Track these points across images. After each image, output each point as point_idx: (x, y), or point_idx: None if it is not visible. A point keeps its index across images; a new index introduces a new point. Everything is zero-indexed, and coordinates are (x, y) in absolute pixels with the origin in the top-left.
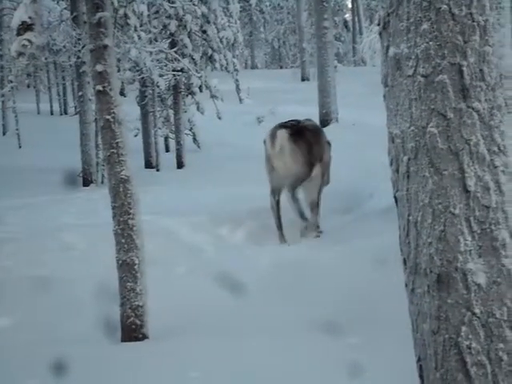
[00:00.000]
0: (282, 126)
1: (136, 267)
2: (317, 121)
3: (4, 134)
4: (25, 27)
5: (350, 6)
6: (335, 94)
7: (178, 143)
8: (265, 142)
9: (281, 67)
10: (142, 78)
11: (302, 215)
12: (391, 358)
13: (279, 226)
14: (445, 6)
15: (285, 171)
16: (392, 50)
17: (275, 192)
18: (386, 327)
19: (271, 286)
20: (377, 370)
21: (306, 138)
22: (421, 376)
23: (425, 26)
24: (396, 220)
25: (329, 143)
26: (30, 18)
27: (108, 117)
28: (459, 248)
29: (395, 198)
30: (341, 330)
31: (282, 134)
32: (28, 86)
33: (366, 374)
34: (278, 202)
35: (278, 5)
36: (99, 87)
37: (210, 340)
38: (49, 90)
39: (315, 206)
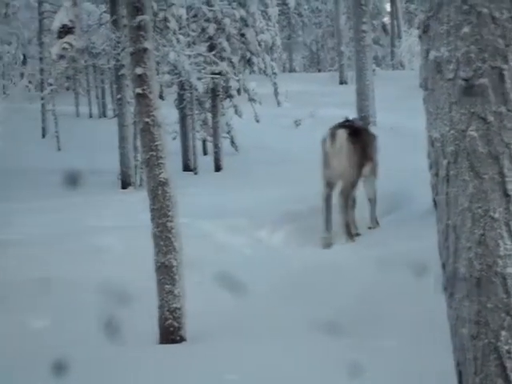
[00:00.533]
0: (341, 126)
1: (174, 269)
2: None
3: (43, 136)
4: (65, 30)
5: (388, 9)
6: (373, 97)
7: (216, 146)
8: (324, 140)
9: (319, 70)
10: (181, 81)
11: (344, 222)
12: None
13: (327, 219)
14: (485, 10)
15: (339, 169)
16: (432, 54)
17: (327, 186)
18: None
19: (305, 289)
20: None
21: (362, 138)
22: (460, 381)
23: (465, 29)
24: (434, 225)
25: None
26: (70, 21)
27: (147, 119)
28: (499, 252)
29: (434, 201)
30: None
31: (342, 134)
32: (67, 89)
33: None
34: (329, 197)
35: (317, 8)
36: (139, 90)
37: (248, 343)
38: (88, 93)
39: (374, 201)
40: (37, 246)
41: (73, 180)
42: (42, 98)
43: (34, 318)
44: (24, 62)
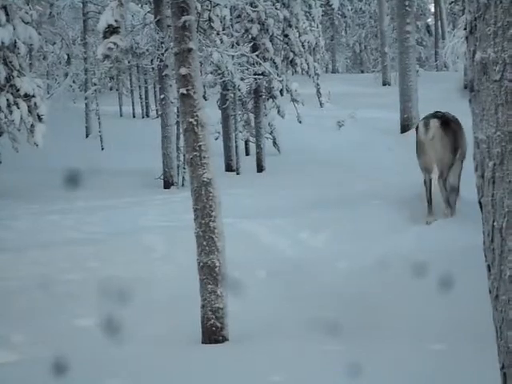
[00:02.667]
0: (434, 116)
1: (217, 270)
2: (397, 126)
3: (87, 136)
4: (111, 30)
5: (432, 10)
6: (417, 98)
7: (259, 147)
8: (417, 129)
9: (362, 71)
10: (224, 81)
11: (448, 202)
12: None
13: (429, 201)
14: None
15: (435, 156)
16: (479, 55)
17: (425, 171)
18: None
19: (347, 290)
20: None
21: (452, 127)
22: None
23: None
24: (471, 226)
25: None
26: (116, 21)
27: (191, 120)
28: None
29: (480, 203)
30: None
31: (435, 124)
32: (111, 89)
33: None
34: (428, 182)
35: (360, 9)
36: (183, 90)
37: (290, 343)
38: (131, 93)
39: (456, 189)
40: (90, 244)
41: (116, 180)
42: (86, 98)
43: (80, 317)
44: (68, 62)
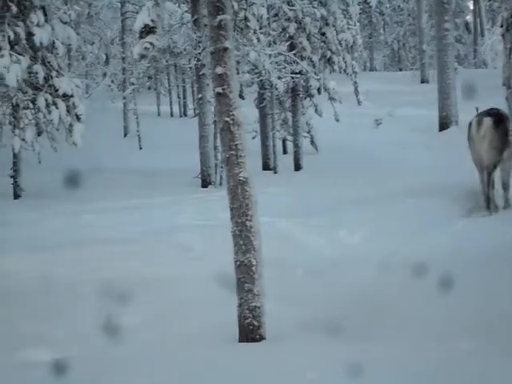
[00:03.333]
0: (488, 113)
1: (254, 268)
2: (436, 124)
3: (125, 135)
4: (147, 30)
5: (471, 7)
6: (455, 96)
7: (296, 145)
8: (470, 124)
9: (400, 69)
10: (261, 80)
11: (487, 200)
12: None
13: (486, 195)
14: None
15: (483, 153)
16: None
17: (478, 166)
18: None
19: (383, 290)
20: None
21: (505, 125)
22: None
23: None
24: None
25: None
26: (152, 21)
27: (227, 119)
28: None
29: None
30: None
31: (488, 122)
32: (149, 88)
33: None
34: (486, 174)
35: (399, 7)
36: (219, 89)
37: (327, 342)
38: (169, 93)
39: (508, 185)
40: (125, 243)
41: (154, 179)
42: (124, 98)
43: (114, 315)
44: (106, 62)
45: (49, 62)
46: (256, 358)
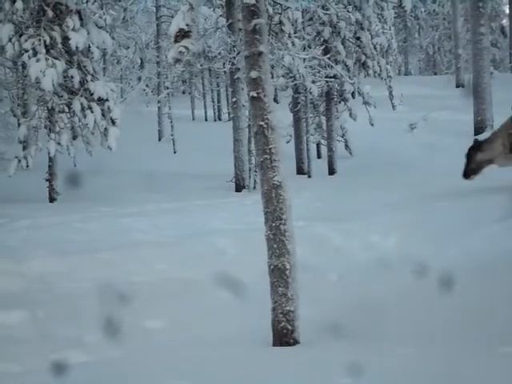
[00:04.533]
0: None
1: (287, 272)
2: (471, 128)
3: (159, 139)
4: (182, 34)
5: (507, 11)
6: (491, 100)
7: (330, 149)
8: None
9: (435, 73)
10: (295, 84)
11: None
12: None
13: None
14: None
15: None
16: None
17: None
18: None
19: (417, 294)
20: None
21: None
22: None
23: None
24: None
25: None
26: (187, 25)
27: (261, 123)
28: None
29: None
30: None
31: None
32: (183, 93)
33: None
34: None
35: (434, 11)
36: (253, 93)
37: (362, 346)
38: (203, 96)
39: None
40: (160, 247)
41: (188, 182)
42: (159, 102)
43: (148, 318)
44: (141, 66)
45: (84, 66)
46: (289, 362)
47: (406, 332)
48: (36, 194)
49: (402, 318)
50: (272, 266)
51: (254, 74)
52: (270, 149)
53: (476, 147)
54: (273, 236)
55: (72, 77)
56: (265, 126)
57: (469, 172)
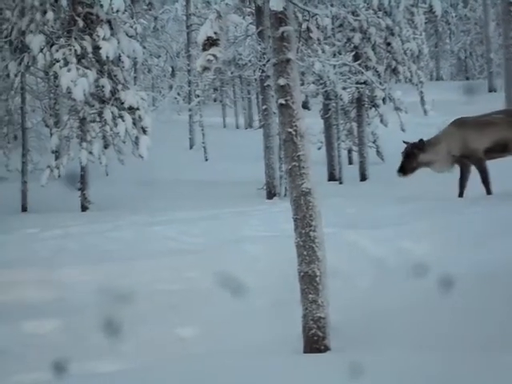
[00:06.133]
0: None
1: (317, 279)
2: None
3: (191, 147)
4: (210, 42)
5: None
6: None
7: (362, 156)
8: None
9: (467, 78)
10: (326, 91)
11: None
12: None
13: None
14: None
15: None
16: None
17: None
18: None
19: (455, 300)
20: None
21: None
22: None
23: None
24: None
25: None
26: (215, 33)
27: (290, 130)
28: None
29: None
30: None
31: None
32: (215, 100)
33: None
34: None
35: (465, 15)
36: (282, 101)
37: (394, 353)
38: (234, 104)
39: None
40: (192, 254)
41: (219, 190)
42: (190, 110)
43: (180, 326)
44: (172, 75)
45: (115, 76)
46: (321, 368)
47: (438, 336)
48: (68, 203)
49: (434, 323)
50: (302, 273)
51: (282, 82)
52: (298, 156)
53: (421, 147)
54: (302, 243)
55: (103, 86)
56: (293, 133)
57: (408, 170)
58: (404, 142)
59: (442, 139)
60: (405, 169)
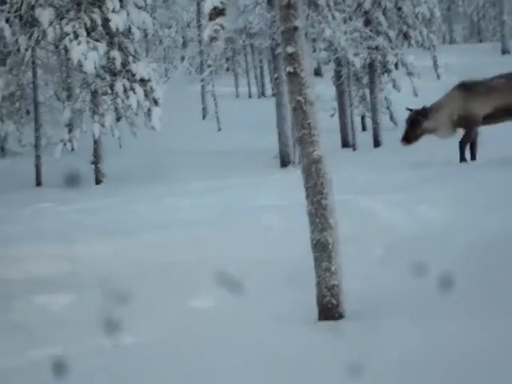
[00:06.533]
0: None
1: (330, 247)
2: None
3: (204, 117)
4: (216, 12)
5: None
6: None
7: (375, 122)
8: None
9: (480, 41)
10: (337, 57)
11: None
12: None
13: None
14: None
15: None
16: None
17: None
18: None
19: (467, 267)
20: None
21: None
22: None
23: None
24: None
25: None
26: (221, 2)
27: (299, 98)
28: None
29: None
30: None
31: None
32: (227, 70)
33: None
34: None
35: None
36: (290, 69)
37: (406, 321)
38: (247, 73)
39: None
40: (205, 225)
41: (233, 160)
42: (202, 80)
43: (195, 299)
44: (184, 45)
45: (125, 48)
46: (336, 336)
47: (451, 305)
48: (82, 176)
49: (446, 290)
50: (315, 241)
51: (290, 49)
52: (308, 123)
53: (424, 114)
54: (314, 211)
55: (114, 58)
56: (303, 100)
57: (413, 138)
58: (407, 109)
59: (444, 105)
60: (409, 137)
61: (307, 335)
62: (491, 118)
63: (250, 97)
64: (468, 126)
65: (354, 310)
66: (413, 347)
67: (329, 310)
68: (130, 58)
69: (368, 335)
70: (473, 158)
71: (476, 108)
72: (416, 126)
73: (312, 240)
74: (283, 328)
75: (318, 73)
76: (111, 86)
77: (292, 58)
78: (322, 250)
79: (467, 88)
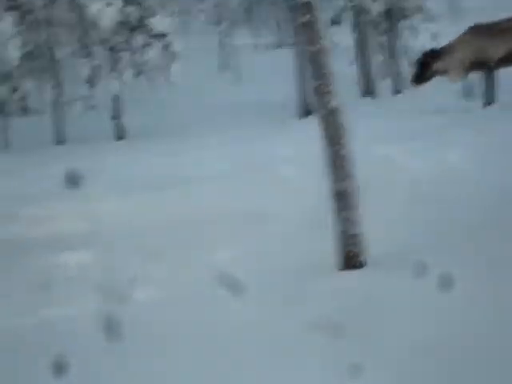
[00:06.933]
0: None
1: (350, 196)
2: None
3: (222, 70)
4: None
5: None
6: None
7: (394, 69)
8: None
9: None
10: (354, 5)
11: None
12: None
13: None
14: None
15: None
16: None
17: None
18: None
19: (491, 213)
20: None
21: None
22: None
23: None
24: None
25: None
26: None
27: (314, 48)
28: None
29: None
30: None
31: None
32: (244, 22)
33: None
34: None
35: None
36: (304, 19)
37: (428, 266)
38: (265, 25)
39: None
40: (231, 178)
41: (253, 111)
42: (220, 32)
43: (213, 252)
44: None
45: (141, 3)
46: (357, 283)
47: (473, 246)
48: (103, 132)
49: (471, 233)
50: (333, 191)
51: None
52: (324, 73)
53: (435, 56)
54: (332, 161)
55: (130, 14)
56: (317, 51)
57: (423, 79)
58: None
59: (456, 47)
60: (419, 78)
61: (328, 284)
62: (507, 61)
63: (266, 48)
64: (484, 69)
65: (376, 258)
66: (431, 292)
67: (350, 259)
68: (147, 13)
69: (387, 283)
70: (490, 101)
71: (489, 51)
72: (426, 67)
73: (331, 190)
74: (304, 277)
75: (336, 21)
76: (129, 42)
77: (306, 8)
78: (342, 200)
79: (480, 31)
